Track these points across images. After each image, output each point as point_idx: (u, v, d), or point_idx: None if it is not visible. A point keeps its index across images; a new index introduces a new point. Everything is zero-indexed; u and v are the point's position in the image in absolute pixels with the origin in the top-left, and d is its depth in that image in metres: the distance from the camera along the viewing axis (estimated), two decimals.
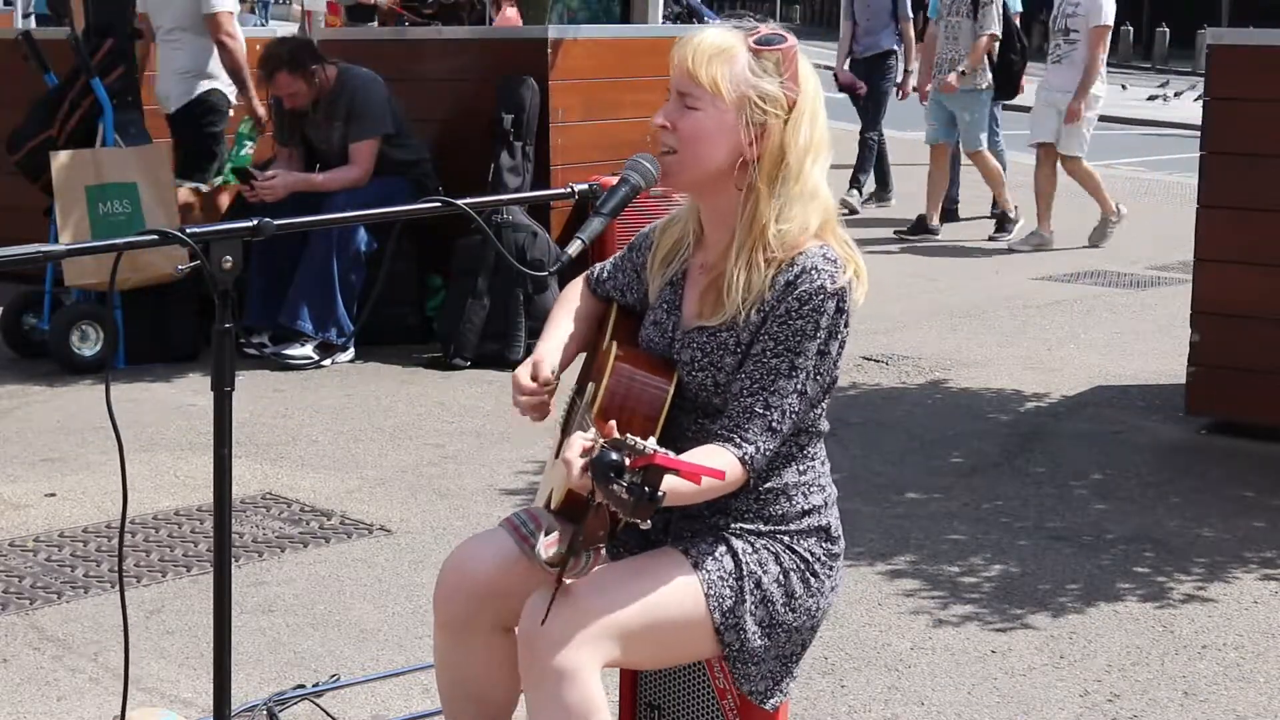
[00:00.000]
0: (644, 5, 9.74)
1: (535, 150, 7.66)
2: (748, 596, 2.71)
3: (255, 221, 2.52)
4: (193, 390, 6.73)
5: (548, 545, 2.70)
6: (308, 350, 7.25)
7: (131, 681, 3.19)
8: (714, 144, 2.70)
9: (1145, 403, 6.72)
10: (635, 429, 2.52)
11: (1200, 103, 6.25)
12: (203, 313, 7.22)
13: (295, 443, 6.02)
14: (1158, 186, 14.89)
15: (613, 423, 2.45)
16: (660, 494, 2.34)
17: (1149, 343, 7.87)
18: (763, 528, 2.76)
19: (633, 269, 2.96)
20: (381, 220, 7.02)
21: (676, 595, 2.68)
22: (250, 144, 7.95)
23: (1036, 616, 4.38)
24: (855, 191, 12.17)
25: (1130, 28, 40.47)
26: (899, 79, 12.21)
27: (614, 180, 2.87)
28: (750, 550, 2.74)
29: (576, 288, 3.05)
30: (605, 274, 3.02)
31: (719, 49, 2.69)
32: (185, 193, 7.70)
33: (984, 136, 11.03)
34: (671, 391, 2.73)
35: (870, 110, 12.19)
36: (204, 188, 7.84)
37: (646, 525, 2.41)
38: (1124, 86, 28.38)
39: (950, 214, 11.67)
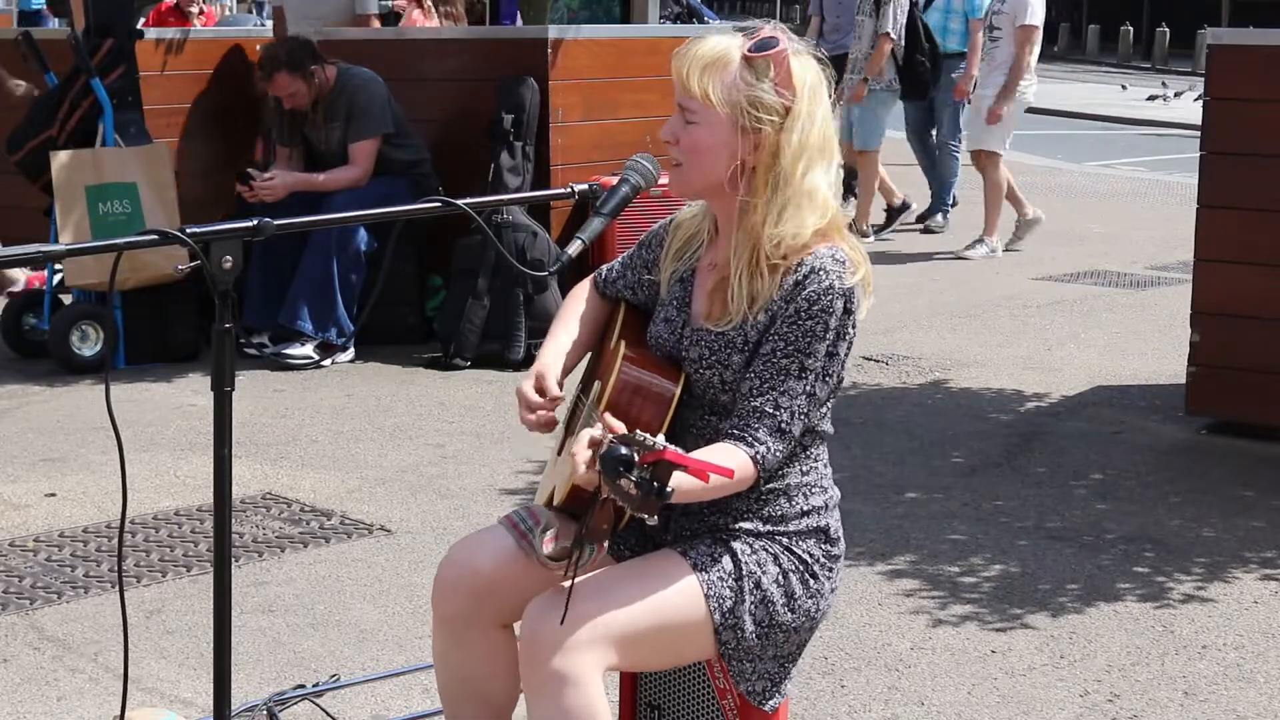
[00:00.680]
0: (644, 5, 9.74)
1: (535, 150, 7.66)
2: (747, 597, 2.71)
3: (255, 221, 2.52)
4: (193, 390, 6.74)
5: (547, 541, 2.70)
6: (308, 350, 7.25)
7: (131, 681, 3.19)
8: (713, 156, 2.71)
9: (1145, 403, 6.72)
10: (642, 428, 2.52)
11: (1200, 103, 6.25)
12: (203, 313, 7.22)
13: (295, 443, 6.02)
14: (1158, 186, 14.90)
15: (614, 420, 2.45)
16: (668, 489, 2.35)
17: (1149, 343, 7.87)
18: (761, 527, 2.76)
19: (643, 265, 2.96)
20: (381, 220, 7.01)
21: (677, 598, 2.68)
22: None
23: (1036, 616, 4.38)
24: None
25: (1130, 28, 40.47)
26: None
27: (614, 180, 2.88)
28: (749, 551, 2.74)
29: (582, 290, 3.04)
30: (614, 273, 3.02)
31: (711, 60, 2.69)
32: None
33: (878, 137, 10.93)
34: (678, 392, 2.73)
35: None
36: None
37: (653, 521, 2.42)
38: (1124, 86, 28.41)
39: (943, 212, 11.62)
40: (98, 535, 4.96)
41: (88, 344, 7.08)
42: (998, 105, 10.28)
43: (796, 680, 2.86)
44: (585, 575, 2.68)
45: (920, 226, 11.47)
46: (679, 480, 2.38)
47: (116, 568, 3.63)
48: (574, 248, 2.76)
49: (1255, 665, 4.09)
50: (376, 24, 8.74)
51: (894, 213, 11.35)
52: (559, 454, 2.88)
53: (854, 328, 2.73)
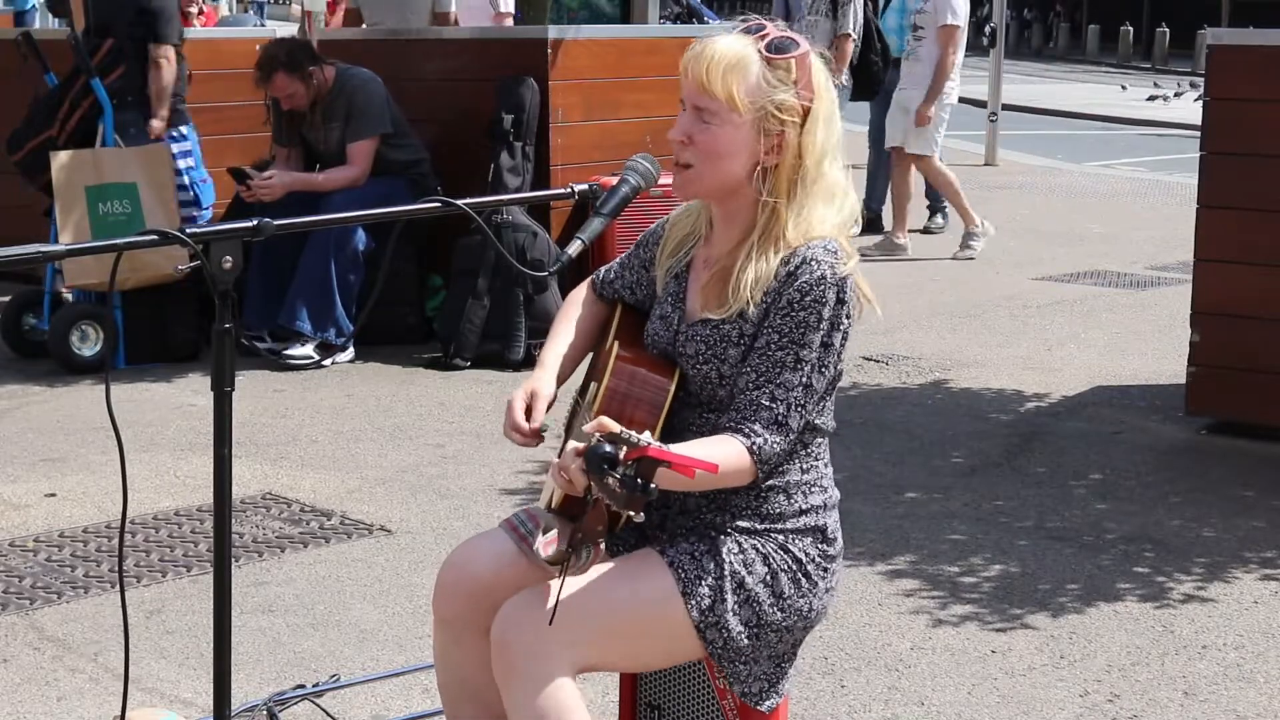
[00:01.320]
0: (644, 5, 9.73)
1: (535, 150, 7.66)
2: (729, 596, 2.70)
3: (255, 222, 2.52)
4: (193, 390, 6.74)
5: (546, 544, 2.70)
6: (308, 350, 7.25)
7: (131, 681, 3.19)
8: (733, 158, 2.71)
9: (1145, 403, 6.72)
10: (636, 427, 2.52)
11: (1200, 103, 6.25)
12: (202, 313, 7.22)
13: (295, 443, 6.02)
14: (1157, 187, 14.90)
15: (604, 418, 2.45)
16: (652, 486, 2.35)
17: (1149, 343, 7.87)
18: (758, 525, 2.76)
19: (640, 265, 2.96)
20: (381, 220, 7.01)
21: (650, 597, 2.68)
22: None
23: (1036, 616, 4.38)
24: None
25: (1130, 28, 40.49)
26: None
27: (614, 180, 2.88)
28: (736, 549, 2.73)
29: (579, 295, 3.04)
30: (612, 274, 3.02)
31: (733, 62, 2.68)
32: None
33: None
34: (672, 390, 2.73)
35: None
36: None
37: (640, 517, 2.42)
38: (1124, 87, 28.41)
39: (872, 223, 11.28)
40: (98, 535, 4.96)
41: (88, 344, 7.08)
42: (925, 106, 10.28)
43: (796, 680, 2.86)
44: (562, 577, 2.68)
45: (920, 228, 11.42)
46: (663, 476, 2.38)
47: (117, 568, 3.63)
48: (574, 248, 2.75)
49: (1255, 665, 4.09)
50: (456, 21, 8.71)
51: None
52: (559, 457, 2.88)
53: (849, 317, 2.73)
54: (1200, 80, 8.94)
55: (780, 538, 2.77)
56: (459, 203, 2.78)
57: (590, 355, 3.01)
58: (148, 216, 7.06)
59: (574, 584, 2.66)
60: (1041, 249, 10.89)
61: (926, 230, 11.41)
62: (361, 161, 7.40)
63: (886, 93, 11.04)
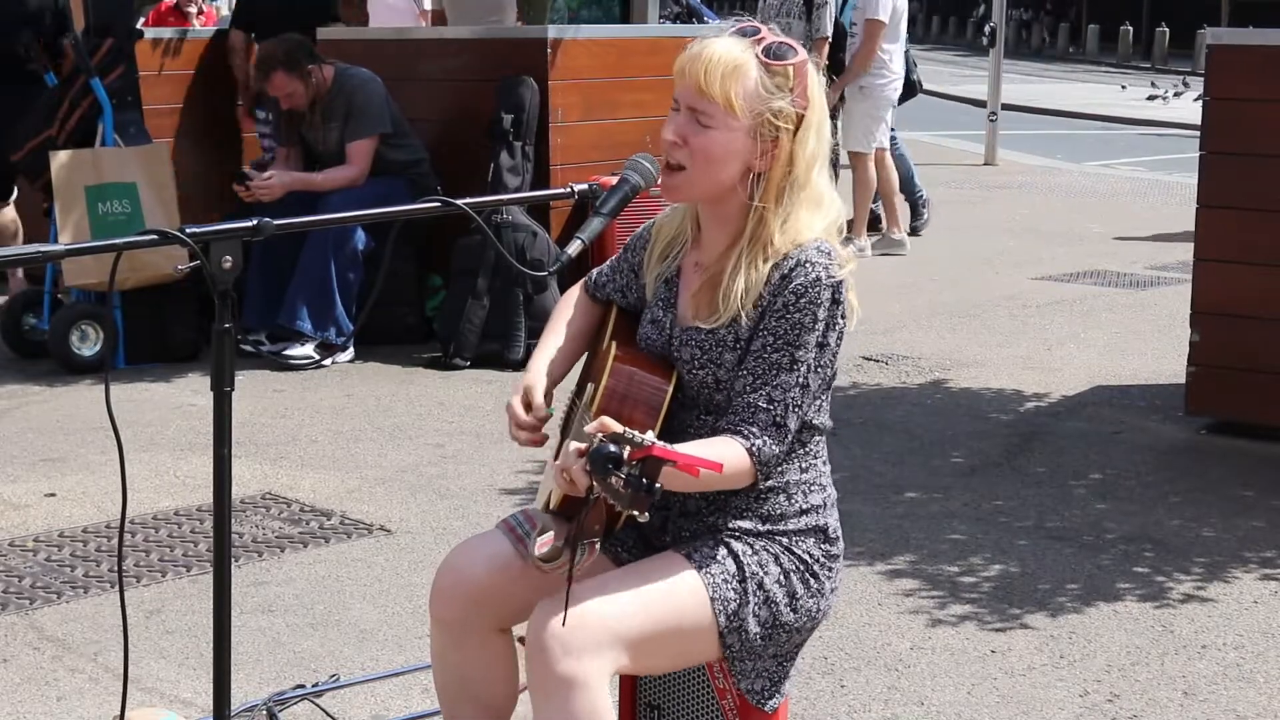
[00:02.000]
0: (644, 5, 9.73)
1: (535, 150, 7.66)
2: (751, 598, 2.71)
3: (255, 221, 2.52)
4: (192, 390, 6.74)
5: (541, 544, 2.70)
6: (308, 350, 7.25)
7: (131, 681, 3.19)
8: (727, 162, 2.71)
9: (1145, 402, 6.72)
10: (635, 428, 2.52)
11: (1199, 103, 6.25)
12: (202, 313, 7.22)
13: (295, 443, 6.02)
14: (1157, 186, 14.90)
15: (606, 418, 2.45)
16: (658, 486, 2.35)
17: (1149, 342, 7.87)
18: (760, 527, 2.76)
19: (630, 269, 2.97)
20: (381, 220, 7.02)
21: (683, 600, 2.68)
22: None
23: (1036, 616, 4.38)
24: None
25: (1130, 27, 40.49)
26: None
27: (613, 180, 2.88)
28: (750, 552, 2.74)
29: (572, 297, 3.04)
30: (604, 277, 3.02)
31: (731, 65, 2.67)
32: None
33: None
34: (670, 391, 2.73)
35: None
36: None
37: (644, 518, 2.42)
38: (1123, 86, 28.40)
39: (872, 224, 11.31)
40: (97, 535, 4.96)
41: (87, 344, 7.08)
42: (833, 90, 10.24)
43: (796, 680, 2.86)
44: (589, 578, 2.68)
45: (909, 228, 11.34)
46: (668, 476, 2.37)
47: (116, 568, 3.63)
48: (573, 248, 2.75)
49: (1255, 665, 4.09)
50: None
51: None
52: (556, 458, 2.88)
53: (844, 318, 2.73)
54: (1197, 79, 8.94)
55: (784, 539, 2.77)
56: (458, 202, 2.78)
57: (585, 357, 3.01)
58: (147, 216, 7.06)
59: (607, 587, 2.65)
60: (1041, 249, 10.89)
61: (913, 231, 11.28)
62: (360, 161, 7.40)
63: None
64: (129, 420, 6.12)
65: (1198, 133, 6.38)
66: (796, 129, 2.70)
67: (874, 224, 11.22)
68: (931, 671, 4.02)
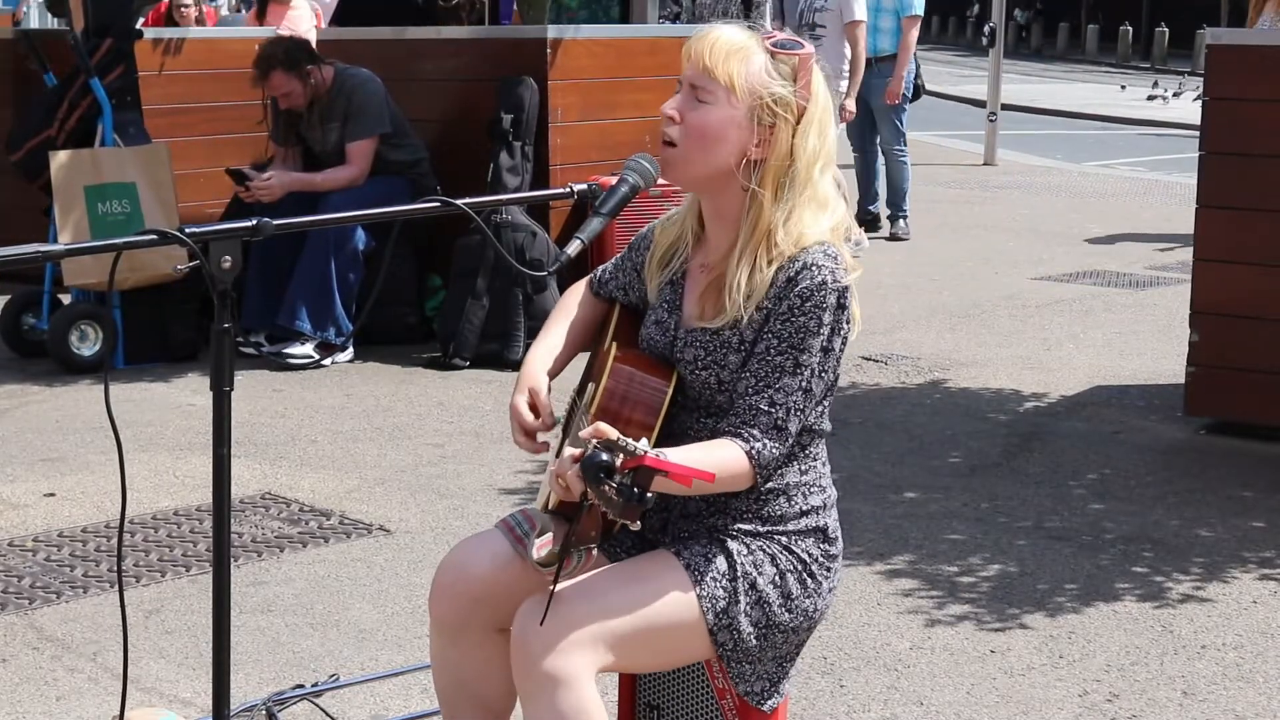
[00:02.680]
0: (643, 5, 9.73)
1: (534, 150, 7.66)
2: (742, 598, 2.70)
3: (254, 221, 2.51)
4: (192, 390, 6.74)
5: (540, 546, 2.70)
6: (308, 350, 7.25)
7: (130, 681, 3.19)
8: (719, 139, 2.70)
9: (1144, 403, 6.73)
10: (634, 429, 2.52)
11: (1199, 103, 6.24)
12: (202, 312, 7.22)
13: (294, 442, 6.02)
14: (1157, 186, 14.90)
15: (601, 424, 2.45)
16: (650, 495, 2.34)
17: (1148, 343, 7.87)
18: (760, 528, 2.76)
19: (633, 268, 2.96)
20: (380, 220, 7.02)
21: (669, 598, 2.68)
22: None
23: (1035, 616, 4.38)
24: None
25: (1129, 27, 40.50)
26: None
27: (613, 180, 2.87)
28: (745, 551, 2.74)
29: (576, 293, 3.04)
30: (607, 275, 3.02)
31: (737, 46, 2.69)
32: None
33: None
34: (670, 392, 2.72)
35: None
36: None
37: (636, 526, 2.41)
38: (1123, 87, 28.42)
39: (871, 223, 11.24)
40: (97, 535, 4.96)
41: (87, 344, 7.09)
42: (848, 100, 10.26)
43: (795, 680, 2.86)
44: (578, 577, 2.68)
45: (887, 235, 11.29)
46: (661, 486, 2.37)
47: (116, 567, 3.63)
48: (573, 248, 2.75)
49: (1254, 665, 4.09)
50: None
51: None
52: (555, 456, 2.88)
53: (849, 323, 2.73)
54: (1198, 78, 8.94)
55: (784, 539, 2.77)
56: (458, 202, 2.77)
57: (587, 354, 3.01)
58: (147, 216, 7.06)
59: (593, 585, 2.66)
60: (1040, 249, 10.90)
61: (894, 238, 11.22)
62: (360, 161, 7.40)
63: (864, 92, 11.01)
64: (128, 420, 6.12)
65: (1197, 132, 6.39)
66: (798, 122, 2.70)
67: (872, 223, 11.24)
68: (931, 671, 4.02)
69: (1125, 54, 39.05)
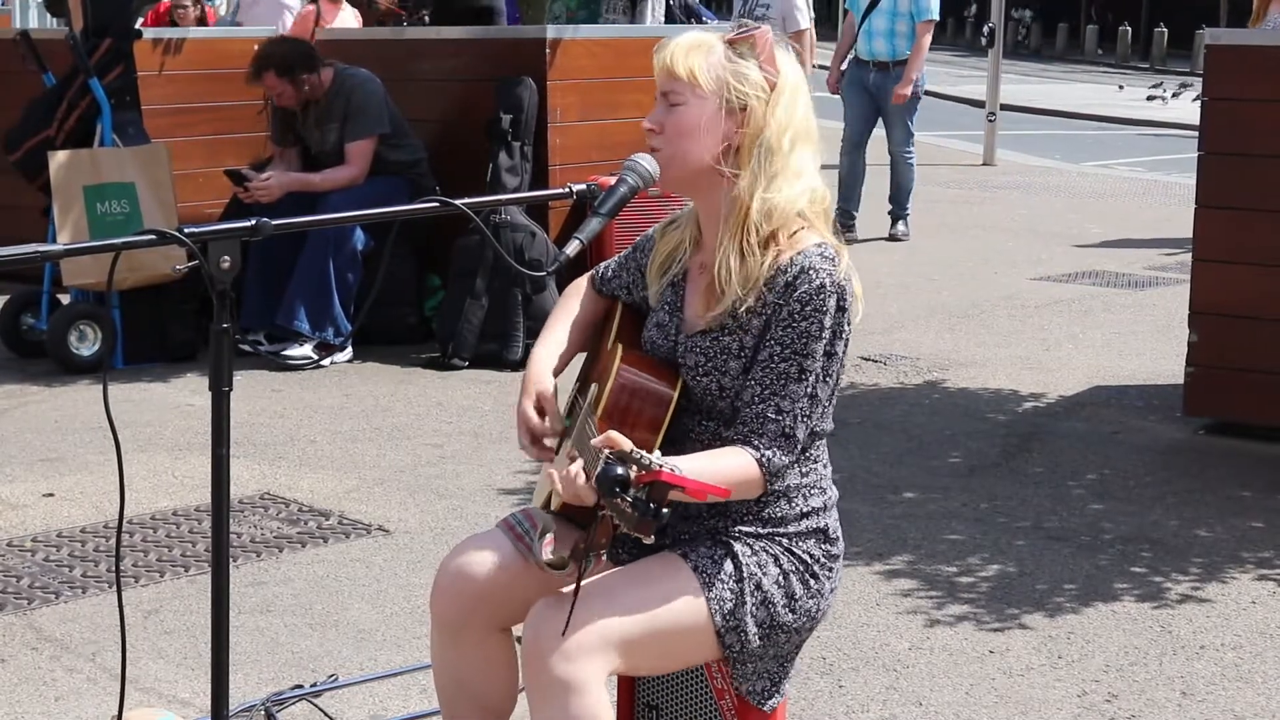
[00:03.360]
0: (642, 6, 9.71)
1: (533, 150, 7.66)
2: (748, 598, 2.71)
3: (253, 221, 2.51)
4: (191, 390, 6.74)
5: (546, 545, 2.69)
6: (306, 350, 7.25)
7: (129, 682, 3.19)
8: (698, 136, 2.71)
9: (1143, 403, 6.73)
10: (639, 433, 2.51)
11: (1198, 103, 6.25)
12: (201, 313, 7.22)
13: (293, 443, 6.02)
14: (1156, 187, 14.90)
15: (614, 433, 2.44)
16: (665, 511, 2.33)
17: (1147, 343, 7.87)
18: (761, 529, 2.76)
19: (636, 268, 2.96)
20: (379, 220, 7.01)
21: (678, 601, 2.68)
22: None
23: (1034, 616, 4.38)
24: None
25: (1128, 28, 40.49)
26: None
27: (612, 180, 2.87)
28: (749, 552, 2.74)
29: (578, 290, 3.04)
30: (610, 272, 3.02)
31: (694, 44, 2.73)
32: None
33: None
34: (676, 396, 2.72)
35: None
36: None
37: (650, 540, 2.40)
38: (1120, 87, 28.41)
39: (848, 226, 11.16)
40: (95, 535, 4.96)
41: (86, 344, 7.08)
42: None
43: (794, 680, 2.86)
44: (586, 579, 2.68)
45: (885, 236, 11.24)
46: (676, 500, 2.37)
47: (114, 568, 3.63)
48: (572, 248, 2.75)
49: (1253, 665, 4.09)
50: None
51: None
52: (555, 455, 2.88)
53: (849, 324, 2.73)
54: (1196, 79, 8.94)
55: (785, 541, 2.77)
56: (457, 203, 2.77)
57: (586, 351, 3.01)
58: (146, 216, 7.06)
59: (601, 589, 2.65)
60: (1039, 249, 10.90)
61: (892, 238, 11.20)
62: (359, 161, 7.40)
63: (862, 96, 10.96)
64: (127, 420, 6.12)
65: (1196, 133, 6.39)
66: (769, 97, 2.71)
67: (849, 227, 11.15)
68: (930, 672, 4.02)
69: (1124, 54, 39.04)
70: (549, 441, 2.84)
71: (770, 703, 2.77)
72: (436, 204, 2.81)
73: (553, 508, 2.75)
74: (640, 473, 2.32)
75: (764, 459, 2.65)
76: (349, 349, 7.38)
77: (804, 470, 2.79)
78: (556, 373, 2.92)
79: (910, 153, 11.18)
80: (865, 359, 7.38)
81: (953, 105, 25.49)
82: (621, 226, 6.78)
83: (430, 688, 3.32)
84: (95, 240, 4.88)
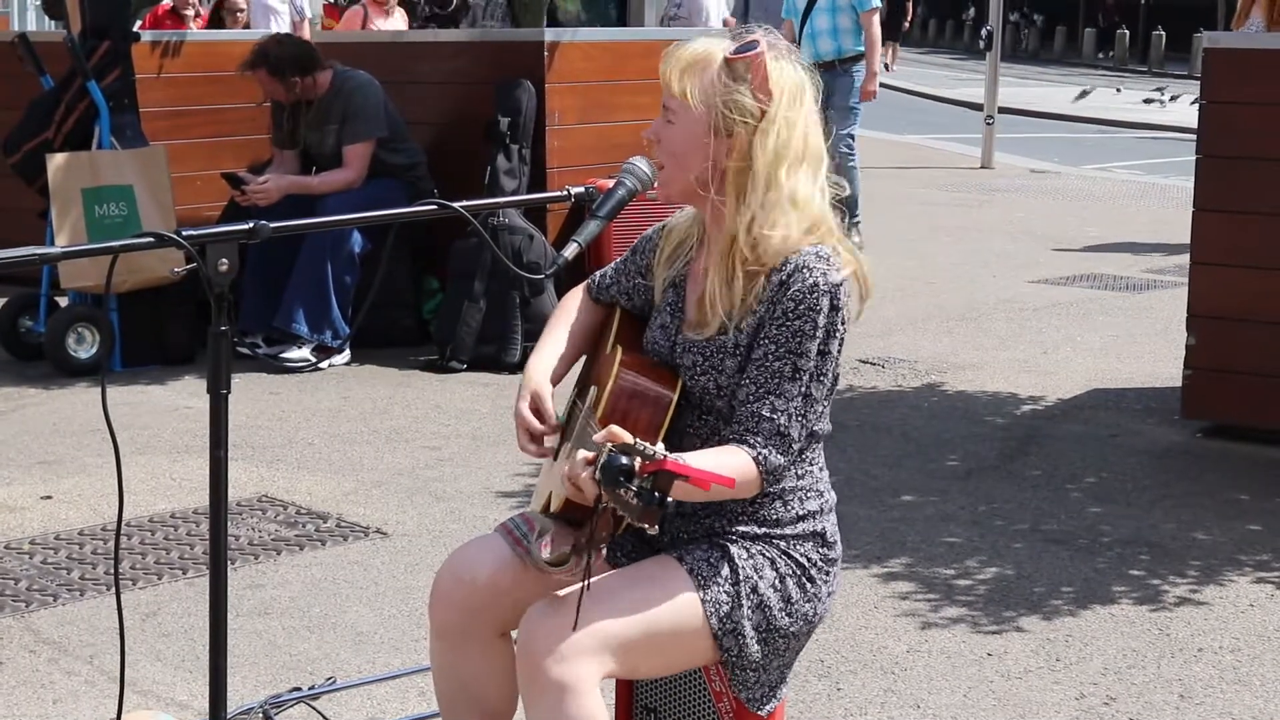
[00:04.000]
0: (640, 7, 9.74)
1: (532, 153, 7.67)
2: (744, 602, 2.70)
3: (251, 224, 2.52)
4: (189, 393, 6.74)
5: (544, 546, 2.69)
6: (304, 353, 7.25)
7: (127, 684, 3.19)
8: (688, 155, 2.72)
9: (1141, 406, 6.73)
10: (640, 433, 2.51)
11: (1196, 106, 6.25)
12: (199, 315, 7.22)
13: (291, 445, 6.02)
14: (1154, 190, 14.91)
15: (616, 427, 2.45)
16: (669, 500, 2.34)
17: (1145, 346, 7.88)
18: (757, 531, 2.76)
19: (636, 272, 2.96)
20: (378, 223, 6.99)
21: (674, 604, 2.67)
22: None
23: (1032, 619, 4.38)
24: None
25: (1126, 30, 40.51)
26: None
27: (610, 183, 2.88)
28: (746, 556, 2.74)
29: (574, 298, 3.04)
30: (608, 279, 3.01)
31: (693, 60, 2.70)
32: None
33: None
34: (675, 397, 2.72)
35: None
36: None
37: (654, 530, 2.41)
38: (1118, 89, 28.41)
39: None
40: (93, 538, 4.96)
41: (84, 346, 7.08)
42: None
43: (792, 683, 2.86)
44: (581, 582, 2.68)
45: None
46: (679, 489, 2.37)
47: (112, 570, 3.63)
48: (570, 250, 2.75)
49: (1251, 668, 4.09)
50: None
51: None
52: (554, 459, 2.88)
53: (844, 324, 2.73)
54: (1193, 84, 8.94)
55: (782, 543, 2.77)
56: (455, 205, 2.78)
57: (584, 358, 3.01)
58: (144, 219, 7.06)
59: (596, 591, 2.65)
60: (1037, 252, 10.90)
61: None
62: (357, 164, 7.40)
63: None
64: (125, 423, 6.12)
65: (1194, 136, 6.39)
66: (758, 125, 2.69)
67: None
68: (928, 674, 4.02)
69: (1122, 57, 39.06)
70: (548, 441, 2.84)
71: (767, 707, 2.77)
72: (434, 206, 2.82)
73: (552, 510, 2.75)
74: (644, 463, 2.33)
75: (760, 457, 2.65)
76: (347, 352, 7.37)
77: (799, 473, 2.79)
78: (555, 379, 2.92)
79: (850, 154, 10.56)
80: (863, 362, 7.38)
81: (950, 108, 25.51)
82: (619, 229, 6.78)
83: (429, 690, 3.32)
84: (93, 243, 4.88)
